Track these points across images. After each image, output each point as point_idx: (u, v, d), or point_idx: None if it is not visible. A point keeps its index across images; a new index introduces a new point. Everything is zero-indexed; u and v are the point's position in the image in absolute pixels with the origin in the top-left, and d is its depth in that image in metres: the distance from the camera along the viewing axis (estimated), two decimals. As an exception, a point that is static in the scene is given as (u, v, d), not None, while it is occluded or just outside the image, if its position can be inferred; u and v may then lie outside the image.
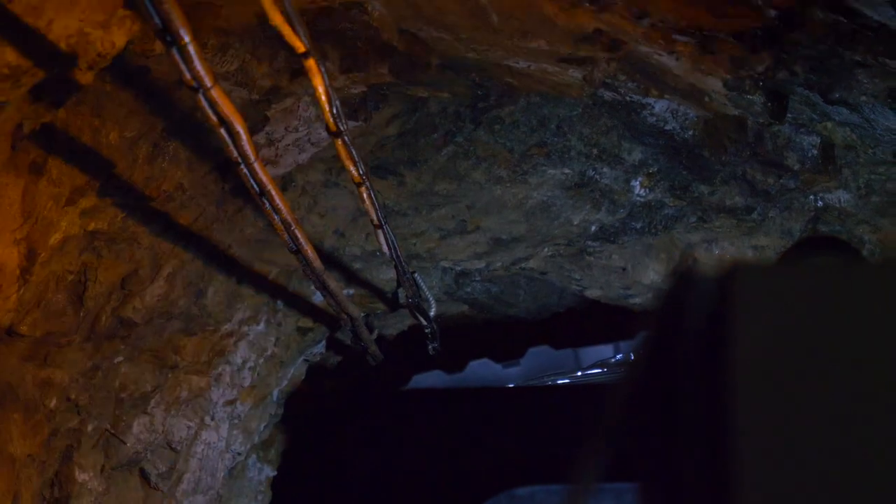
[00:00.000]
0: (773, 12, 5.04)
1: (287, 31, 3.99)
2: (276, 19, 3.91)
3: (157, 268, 6.60)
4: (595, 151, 6.94)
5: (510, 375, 10.04)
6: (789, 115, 5.95)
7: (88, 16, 4.54)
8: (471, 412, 9.63)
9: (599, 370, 10.01)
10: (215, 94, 3.97)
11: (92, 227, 6.07)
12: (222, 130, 4.22)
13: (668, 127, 6.52)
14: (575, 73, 5.85)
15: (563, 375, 10.19)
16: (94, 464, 6.89)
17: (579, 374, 10.07)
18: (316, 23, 5.38)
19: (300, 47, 4.11)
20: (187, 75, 3.85)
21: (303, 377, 8.71)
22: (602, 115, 6.60)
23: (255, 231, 6.75)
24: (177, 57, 3.74)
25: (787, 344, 1.74)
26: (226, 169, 6.15)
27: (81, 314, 6.36)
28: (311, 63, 4.27)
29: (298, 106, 6.13)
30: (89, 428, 6.79)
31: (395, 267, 6.86)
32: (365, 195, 5.56)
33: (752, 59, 5.36)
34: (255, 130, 5.54)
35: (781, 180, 6.84)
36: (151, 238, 6.43)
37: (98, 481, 6.90)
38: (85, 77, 4.82)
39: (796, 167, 6.59)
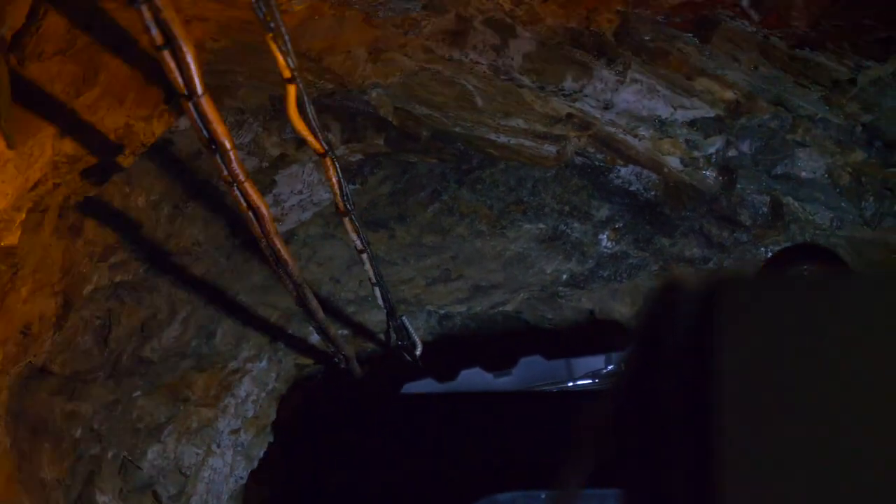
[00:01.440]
0: (722, 105, 5.81)
1: (310, 139, 4.71)
2: (300, 128, 4.63)
3: (173, 313, 7.25)
4: (567, 208, 7.57)
5: (502, 385, 10.08)
6: (739, 185, 6.66)
7: (134, 111, 5.25)
8: (458, 419, 9.67)
9: (591, 381, 10.08)
10: (247, 186, 4.69)
11: (118, 278, 6.76)
12: (250, 214, 4.92)
13: (632, 188, 7.16)
14: (549, 148, 6.53)
15: (554, 385, 10.26)
16: (113, 487, 7.49)
17: (570, 384, 10.15)
18: (321, 100, 6.05)
19: (320, 149, 4.84)
20: (225, 173, 4.57)
21: (298, 401, 9.23)
22: (573, 177, 7.23)
23: (261, 279, 7.38)
24: (219, 161, 4.45)
25: (770, 356, 1.74)
26: (236, 226, 6.84)
27: (105, 354, 7.01)
28: (327, 162, 5.00)
29: (303, 171, 6.82)
30: (109, 455, 7.40)
31: (387, 316, 7.52)
32: (366, 259, 6.27)
33: (705, 142, 6.10)
34: (264, 192, 6.18)
35: (735, 234, 7.46)
36: (169, 287, 7.10)
37: (116, 503, 7.52)
38: (127, 161, 5.53)
39: (748, 223, 7.23)
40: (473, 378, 9.67)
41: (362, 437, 9.50)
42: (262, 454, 8.63)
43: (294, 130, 4.79)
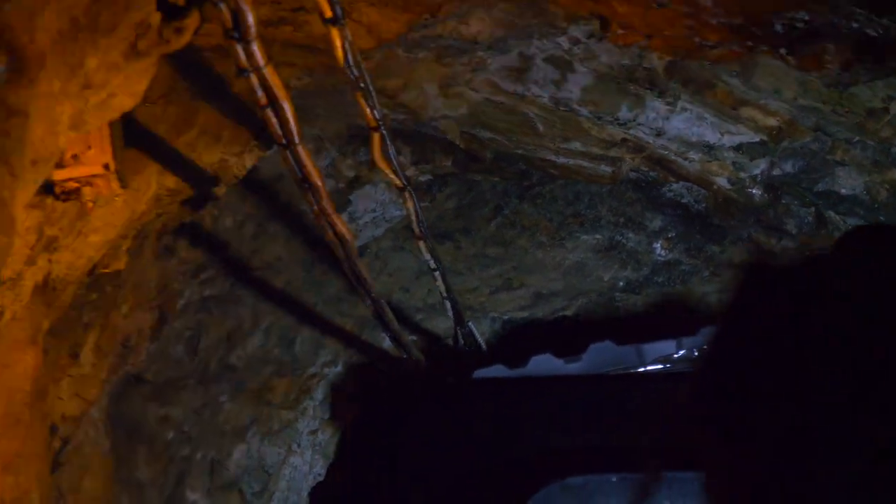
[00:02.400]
0: (766, 131, 6.27)
1: (392, 177, 5.23)
2: (383, 167, 5.15)
3: (256, 323, 7.77)
4: (622, 220, 8.03)
5: (572, 371, 9.69)
6: (783, 200, 7.09)
7: (228, 148, 5.78)
8: (529, 403, 9.33)
9: (662, 366, 9.69)
10: (335, 218, 5.21)
11: (207, 293, 7.30)
12: (336, 240, 5.43)
13: (683, 200, 7.59)
14: (605, 168, 7.00)
15: (625, 371, 9.84)
16: (202, 486, 8.00)
17: (641, 370, 9.77)
18: (393, 126, 6.55)
19: (400, 185, 5.35)
20: (316, 208, 5.08)
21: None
22: (628, 191, 7.67)
23: (336, 290, 7.89)
24: (310, 197, 4.97)
25: (864, 336, 1.66)
26: (314, 242, 7.35)
27: (195, 362, 7.55)
28: (406, 194, 5.51)
29: (376, 191, 7.33)
30: (198, 456, 7.92)
31: (455, 325, 8.00)
32: (438, 277, 6.78)
33: (750, 164, 6.56)
34: (340, 210, 6.67)
35: (782, 242, 7.85)
36: (253, 299, 7.63)
37: (205, 500, 8.02)
38: (221, 191, 6.06)
39: (794, 231, 7.60)
40: (544, 364, 9.40)
41: (433, 426, 9.36)
42: (338, 452, 9.06)
43: (377, 167, 5.28)
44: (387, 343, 8.38)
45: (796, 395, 1.67)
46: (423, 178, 7.31)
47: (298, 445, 8.62)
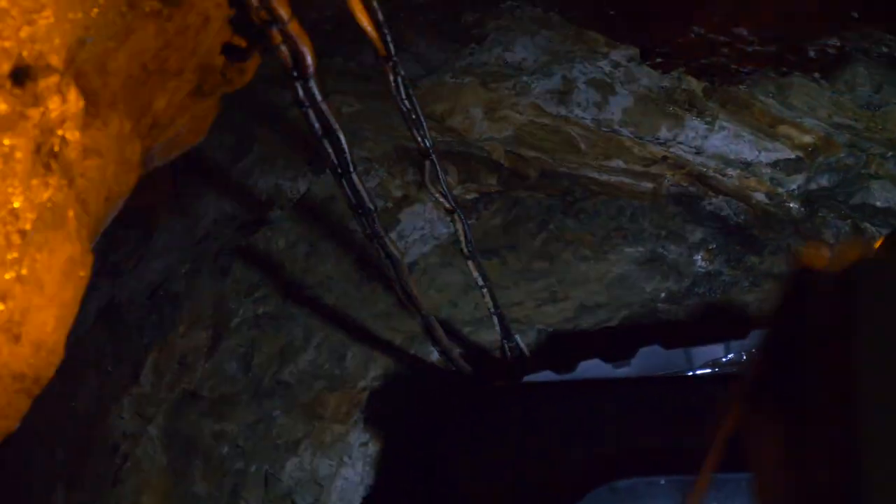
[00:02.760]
0: (802, 148, 6.43)
1: (442, 200, 5.43)
2: (434, 191, 5.35)
3: (308, 339, 7.97)
4: (663, 233, 8.18)
5: (621, 375, 9.70)
6: (820, 213, 7.24)
7: (283, 174, 6.00)
8: (577, 407, 9.30)
9: (710, 370, 9.70)
10: (387, 240, 5.42)
11: (260, 311, 7.51)
12: (388, 262, 5.64)
13: (723, 213, 7.75)
14: (647, 184, 7.18)
15: (673, 375, 9.84)
16: (256, 498, 8.20)
17: (690, 374, 9.81)
18: (441, 148, 6.74)
19: (450, 209, 5.55)
20: (368, 231, 5.28)
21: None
22: (669, 204, 7.83)
23: (385, 306, 8.08)
24: (364, 222, 5.18)
25: None
26: (363, 261, 7.56)
27: (248, 378, 7.76)
28: (455, 217, 5.71)
29: (424, 210, 7.51)
30: (252, 468, 8.13)
31: (502, 339, 8.18)
32: (486, 294, 6.97)
33: (787, 179, 6.72)
34: (388, 229, 6.87)
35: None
36: (305, 316, 7.83)
37: (259, 512, 8.26)
38: (276, 215, 6.27)
39: (832, 241, 7.75)
40: (593, 369, 9.45)
41: (482, 431, 9.31)
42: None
43: (427, 191, 5.48)
44: (435, 356, 8.55)
45: (846, 398, 1.75)
46: (469, 197, 7.49)
47: (350, 457, 8.80)
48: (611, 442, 8.99)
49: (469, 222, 7.03)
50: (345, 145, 4.53)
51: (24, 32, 2.83)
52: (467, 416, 9.36)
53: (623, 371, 9.47)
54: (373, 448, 9.00)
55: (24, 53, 3.11)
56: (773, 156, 6.59)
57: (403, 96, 4.49)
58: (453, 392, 8.99)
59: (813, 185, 6.86)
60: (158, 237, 5.30)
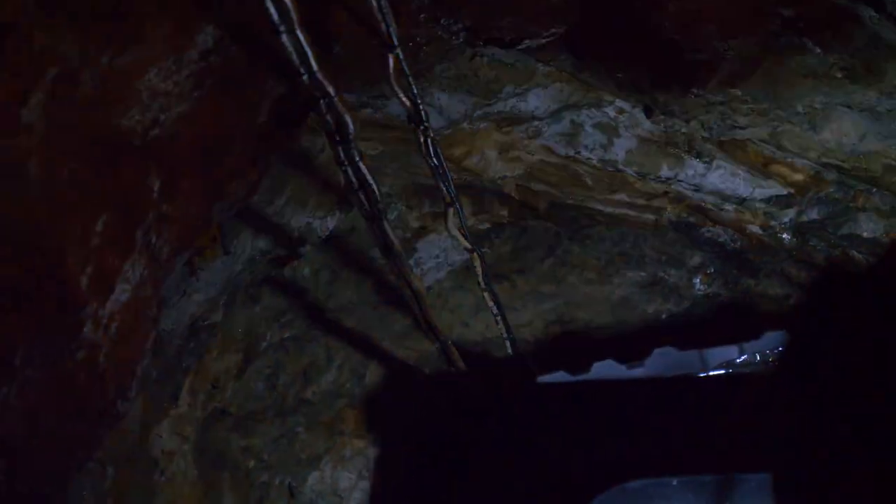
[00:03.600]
0: (793, 185, 6.90)
1: (464, 242, 5.90)
2: (456, 233, 5.82)
3: (330, 360, 8.44)
4: (664, 258, 8.63)
5: (634, 376, 9.56)
6: (811, 242, 7.69)
7: (314, 213, 6.46)
8: (588, 408, 9.25)
9: (724, 371, 9.49)
10: (412, 277, 5.90)
11: (287, 334, 7.99)
12: (412, 294, 6.12)
13: (720, 239, 8.18)
14: (649, 216, 7.64)
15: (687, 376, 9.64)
16: (280, 509, 8.69)
17: (703, 375, 9.58)
18: (456, 183, 7.20)
19: (469, 249, 6.03)
20: (395, 270, 5.76)
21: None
22: (669, 231, 8.27)
23: (401, 327, 8.54)
24: (392, 262, 5.66)
25: None
26: (381, 286, 8.05)
27: (274, 397, 8.23)
28: (474, 255, 6.19)
29: (439, 239, 7.98)
30: (276, 481, 8.58)
31: (515, 356, 8.64)
32: (500, 321, 7.45)
33: (780, 213, 7.20)
34: (407, 257, 7.32)
35: (812, 273, 8.42)
36: (326, 338, 8.30)
37: (282, 522, 8.71)
38: (305, 250, 6.74)
39: (823, 264, 8.20)
40: (606, 371, 9.39)
41: (496, 435, 9.41)
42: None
43: (450, 236, 5.97)
44: (449, 375, 9.00)
45: (866, 398, 1.68)
46: (482, 227, 7.96)
47: (369, 471, 9.24)
48: (622, 442, 9.04)
49: (483, 250, 7.52)
50: (378, 196, 5.02)
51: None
52: (481, 421, 9.51)
53: (637, 372, 9.51)
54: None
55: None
56: (767, 192, 7.04)
57: (432, 154, 4.96)
58: (466, 401, 9.34)
59: (804, 218, 7.31)
60: (201, 275, 5.76)
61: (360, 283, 8.12)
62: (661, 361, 9.34)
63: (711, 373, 9.45)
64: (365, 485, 9.25)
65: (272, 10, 3.55)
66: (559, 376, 9.35)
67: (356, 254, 7.82)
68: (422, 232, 7.89)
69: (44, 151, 3.16)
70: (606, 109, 6.39)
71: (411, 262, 7.70)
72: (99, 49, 3.39)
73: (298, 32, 3.69)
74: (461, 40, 5.24)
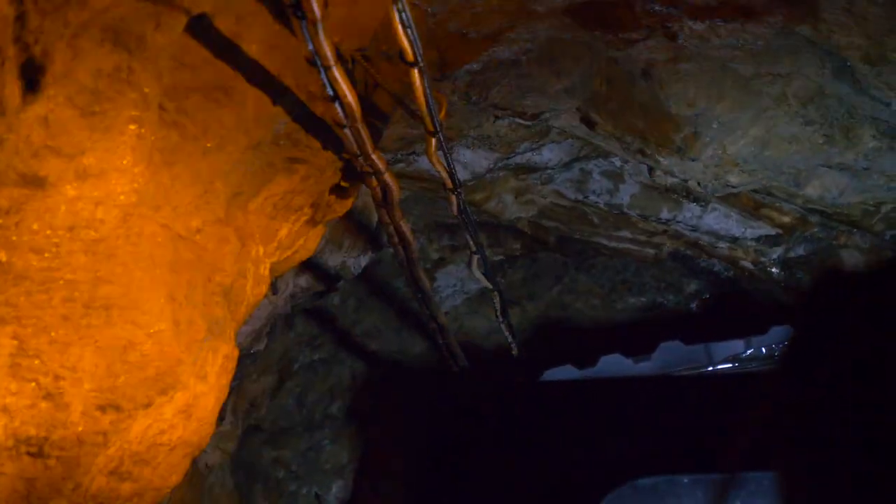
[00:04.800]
0: (781, 226, 7.60)
1: (487, 284, 6.61)
2: (478, 276, 6.53)
3: (354, 379, 9.18)
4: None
5: (641, 370, 9.65)
6: (798, 275, 8.37)
7: (349, 253, 7.15)
8: (598, 405, 9.24)
9: (731, 364, 9.55)
10: (438, 313, 6.61)
11: (316, 356, 8.71)
12: (436, 326, 6.83)
13: (715, 269, 8.87)
14: (649, 250, 8.34)
15: (694, 370, 9.73)
16: (307, 516, 9.40)
17: (710, 369, 9.63)
18: (477, 220, 7.90)
19: (489, 286, 6.74)
20: (426, 311, 6.47)
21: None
22: (668, 261, 8.95)
23: (421, 349, 9.26)
24: (420, 298, 6.37)
25: None
26: (403, 313, 8.77)
27: (303, 413, 8.94)
28: (495, 294, 6.90)
29: (457, 270, 8.71)
30: (304, 490, 9.28)
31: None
32: (514, 350, 8.17)
33: (769, 250, 7.90)
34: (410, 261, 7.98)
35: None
36: (351, 360, 9.03)
37: (309, 528, 9.43)
38: (340, 285, 7.46)
39: (811, 291, 8.84)
40: (613, 364, 9.46)
41: (506, 434, 9.37)
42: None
43: (474, 277, 6.67)
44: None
45: (870, 400, 1.69)
46: (496, 258, 8.68)
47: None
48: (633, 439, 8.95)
49: (498, 279, 8.21)
50: (413, 249, 5.73)
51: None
52: (490, 421, 9.56)
53: (643, 366, 9.54)
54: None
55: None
56: (757, 232, 7.70)
57: (463, 212, 5.66)
58: (475, 404, 9.60)
59: (791, 254, 7.99)
60: (254, 312, 6.47)
61: (384, 311, 8.86)
62: (668, 356, 9.49)
63: (719, 368, 9.54)
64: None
65: (340, 110, 4.25)
66: (567, 372, 9.49)
67: (381, 283, 8.55)
68: (441, 263, 8.60)
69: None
70: (613, 159, 7.06)
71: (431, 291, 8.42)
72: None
73: (360, 126, 4.40)
74: (488, 112, 5.96)
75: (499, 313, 7.36)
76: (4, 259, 3.53)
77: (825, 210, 7.16)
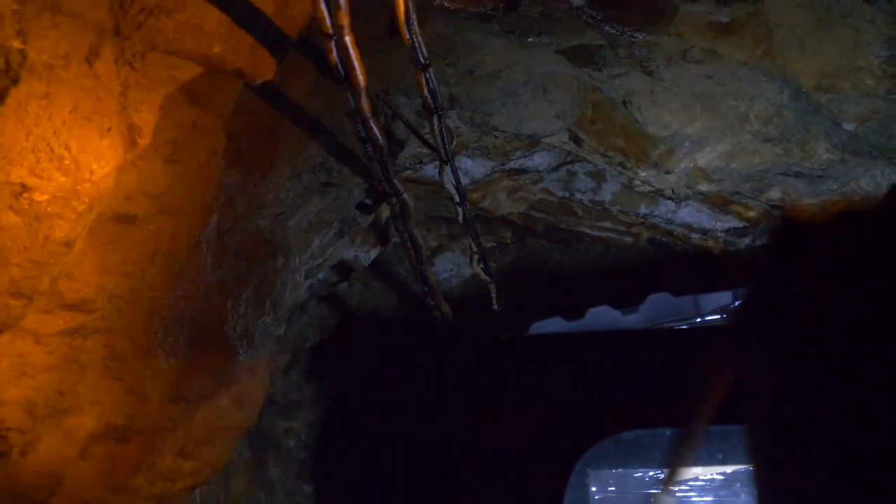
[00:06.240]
0: (748, 220, 8.44)
1: (485, 278, 7.44)
2: (478, 271, 7.37)
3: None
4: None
5: (630, 322, 9.86)
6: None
7: (360, 248, 7.95)
8: (582, 357, 9.39)
9: (719, 316, 9.79)
10: (442, 303, 7.44)
11: (325, 336, 9.52)
12: (439, 315, 7.67)
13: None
14: (628, 238, 9.10)
15: (682, 322, 9.98)
16: (314, 481, 10.24)
17: (699, 320, 9.88)
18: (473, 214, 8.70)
19: (489, 282, 7.57)
20: (433, 303, 7.30)
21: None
22: (645, 246, 9.57)
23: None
24: (429, 295, 7.21)
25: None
26: (403, 295, 9.59)
27: (311, 387, 9.78)
28: (491, 286, 7.74)
29: (453, 256, 9.53)
30: (311, 458, 10.17)
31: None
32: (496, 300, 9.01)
33: (737, 240, 8.73)
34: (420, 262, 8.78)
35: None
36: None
37: (314, 492, 10.27)
38: (352, 275, 8.26)
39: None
40: (601, 316, 9.70)
41: (491, 383, 9.66)
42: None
43: (474, 272, 7.50)
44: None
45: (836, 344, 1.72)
46: (489, 245, 9.48)
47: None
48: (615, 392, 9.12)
49: (490, 263, 9.00)
50: (423, 252, 6.57)
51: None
52: (476, 374, 9.85)
53: (631, 318, 9.77)
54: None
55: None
56: (727, 225, 8.43)
57: (467, 222, 6.49)
58: (466, 361, 10.07)
59: (757, 243, 8.78)
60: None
61: (388, 293, 9.70)
62: (656, 307, 9.81)
63: (708, 318, 9.82)
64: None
65: (370, 148, 5.08)
66: (555, 324, 9.84)
67: (384, 267, 9.36)
68: (439, 250, 9.41)
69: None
70: (596, 160, 7.83)
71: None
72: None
73: (386, 160, 5.23)
74: (489, 132, 6.78)
75: (496, 303, 8.18)
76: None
77: (785, 207, 7.94)
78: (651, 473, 9.77)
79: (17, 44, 3.22)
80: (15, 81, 3.24)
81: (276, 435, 9.83)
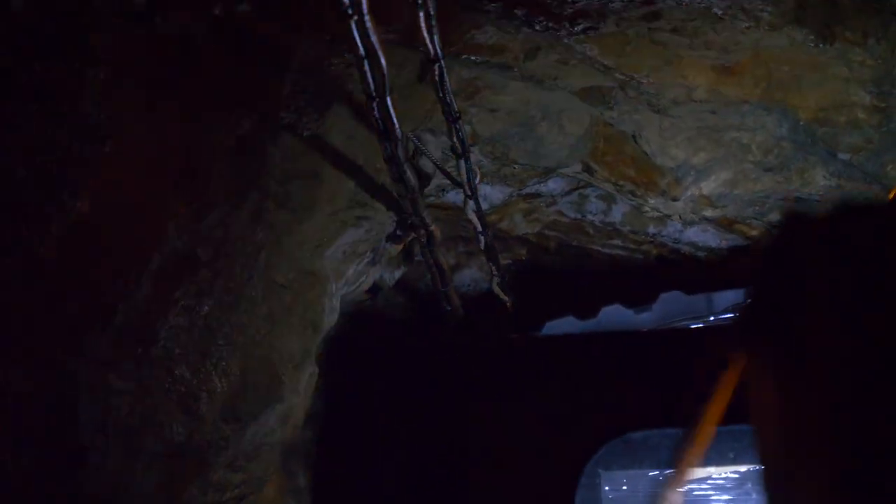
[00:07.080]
0: (750, 239, 8.90)
1: (503, 297, 7.92)
2: (497, 291, 7.84)
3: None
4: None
5: (642, 321, 9.82)
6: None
7: (386, 269, 8.44)
8: (592, 357, 9.38)
9: (732, 314, 9.67)
10: (462, 318, 7.92)
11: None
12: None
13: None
14: (637, 256, 9.52)
15: (694, 321, 9.89)
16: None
17: (712, 318, 9.80)
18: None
19: (507, 301, 8.04)
20: (453, 320, 7.78)
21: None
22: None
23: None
24: (448, 313, 7.69)
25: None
26: (424, 307, 10.06)
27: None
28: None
29: (470, 272, 10.00)
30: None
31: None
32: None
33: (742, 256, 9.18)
34: (445, 286, 9.24)
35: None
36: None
37: (341, 497, 10.74)
38: (379, 294, 8.74)
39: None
40: (614, 315, 9.72)
41: (500, 387, 9.67)
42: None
43: (494, 290, 7.97)
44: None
45: (846, 342, 1.66)
46: (504, 262, 9.94)
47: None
48: (625, 392, 9.07)
49: (506, 278, 9.45)
50: (448, 276, 7.04)
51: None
52: (486, 374, 9.78)
53: (644, 317, 9.72)
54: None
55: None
56: (731, 243, 8.90)
57: (488, 249, 6.97)
58: (474, 359, 9.99)
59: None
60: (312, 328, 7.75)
61: (408, 308, 10.18)
62: (669, 305, 9.72)
63: (721, 317, 9.65)
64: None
65: (404, 187, 5.57)
66: (568, 323, 9.83)
67: (406, 285, 9.84)
68: (457, 267, 9.89)
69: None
70: (606, 185, 8.27)
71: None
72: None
73: (417, 197, 5.72)
74: (507, 165, 7.29)
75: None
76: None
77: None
78: (665, 473, 9.60)
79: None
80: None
81: (299, 445, 10.27)
